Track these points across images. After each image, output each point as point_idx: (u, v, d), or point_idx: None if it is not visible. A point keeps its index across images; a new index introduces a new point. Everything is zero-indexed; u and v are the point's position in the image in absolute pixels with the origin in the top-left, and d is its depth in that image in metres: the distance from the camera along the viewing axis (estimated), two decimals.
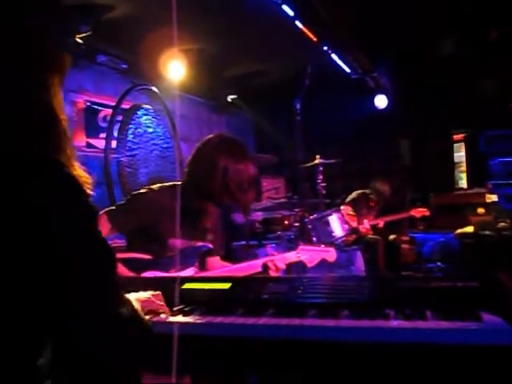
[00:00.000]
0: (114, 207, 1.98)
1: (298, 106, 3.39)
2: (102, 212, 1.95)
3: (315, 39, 4.26)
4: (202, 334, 1.09)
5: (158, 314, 1.18)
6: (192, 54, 4.61)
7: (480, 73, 5.41)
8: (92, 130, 4.37)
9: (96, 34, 4.04)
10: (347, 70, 5.28)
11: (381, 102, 6.12)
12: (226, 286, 1.31)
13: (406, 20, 4.31)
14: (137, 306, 0.95)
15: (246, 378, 1.25)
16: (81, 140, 4.33)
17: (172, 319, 1.15)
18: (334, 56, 4.82)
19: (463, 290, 1.14)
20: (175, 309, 1.17)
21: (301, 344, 1.02)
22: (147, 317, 1.06)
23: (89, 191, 0.91)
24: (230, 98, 6.13)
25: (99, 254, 0.85)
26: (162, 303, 1.20)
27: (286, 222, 4.69)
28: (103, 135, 4.13)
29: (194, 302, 1.27)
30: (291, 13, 3.72)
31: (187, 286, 1.36)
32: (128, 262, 1.88)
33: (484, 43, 4.72)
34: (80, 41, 3.92)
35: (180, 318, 1.15)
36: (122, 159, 3.57)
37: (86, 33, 3.91)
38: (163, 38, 3.79)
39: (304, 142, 4.57)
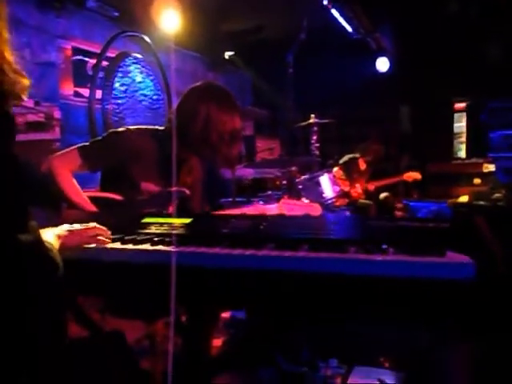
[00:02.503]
0: (87, 143, 1.89)
1: (291, 59, 3.25)
2: (73, 147, 1.87)
3: None
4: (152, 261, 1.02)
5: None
6: (187, 3, 4.42)
7: (487, 37, 5.21)
8: (80, 79, 4.23)
9: None
10: (348, 28, 5.09)
11: (382, 64, 5.95)
12: (186, 221, 1.24)
13: None
14: (49, 237, 0.88)
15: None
16: (68, 89, 4.21)
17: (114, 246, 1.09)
18: (334, 12, 4.63)
19: (432, 230, 1.07)
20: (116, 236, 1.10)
21: (255, 273, 0.95)
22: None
23: (23, 96, 0.83)
24: (227, 54, 5.95)
25: (5, 171, 0.76)
26: (97, 235, 1.13)
27: (278, 183, 4.62)
28: None
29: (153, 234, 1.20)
30: None
31: (147, 219, 1.29)
32: (98, 201, 1.82)
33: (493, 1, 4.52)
34: None
35: (129, 246, 1.08)
36: (107, 107, 3.46)
37: None
38: None
39: (300, 103, 4.45)
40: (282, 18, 5.04)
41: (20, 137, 2.49)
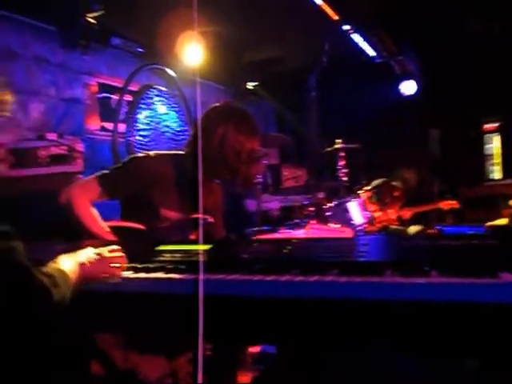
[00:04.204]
0: (106, 171, 1.85)
1: (313, 83, 3.20)
2: (92, 176, 1.83)
3: (335, 17, 4.06)
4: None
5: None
6: (210, 36, 4.47)
7: None
8: (106, 114, 4.29)
9: (110, 15, 3.95)
10: (371, 52, 5.04)
11: (408, 87, 5.85)
12: (205, 247, 1.15)
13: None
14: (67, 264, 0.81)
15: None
16: (94, 124, 4.26)
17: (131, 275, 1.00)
18: (356, 37, 4.59)
19: (480, 249, 0.94)
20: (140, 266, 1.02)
21: (278, 301, 0.85)
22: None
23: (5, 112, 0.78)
24: (250, 85, 5.97)
25: None
26: (113, 263, 1.05)
27: (305, 211, 4.51)
28: None
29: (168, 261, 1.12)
30: None
31: (163, 247, 1.21)
32: (118, 231, 1.76)
33: None
34: (92, 20, 3.84)
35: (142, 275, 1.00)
36: (130, 139, 3.46)
37: (98, 12, 3.82)
38: (180, 20, 3.70)
39: (325, 129, 4.38)
40: (304, 47, 5.04)
41: (43, 169, 2.48)
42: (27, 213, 2.25)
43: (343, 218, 3.89)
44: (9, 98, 0.80)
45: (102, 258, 1.06)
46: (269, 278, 0.86)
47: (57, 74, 3.93)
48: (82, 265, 1.01)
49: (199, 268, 0.93)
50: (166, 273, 0.99)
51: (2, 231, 0.75)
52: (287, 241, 1.13)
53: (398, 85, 5.85)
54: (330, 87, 4.67)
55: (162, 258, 1.12)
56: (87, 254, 1.07)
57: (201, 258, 0.99)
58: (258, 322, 0.88)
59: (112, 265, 1.08)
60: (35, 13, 3.72)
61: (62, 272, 0.91)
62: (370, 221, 4.07)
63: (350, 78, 5.31)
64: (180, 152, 1.98)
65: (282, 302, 0.85)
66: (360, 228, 3.87)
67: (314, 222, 2.50)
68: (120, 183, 1.81)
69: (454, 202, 5.11)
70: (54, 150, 2.52)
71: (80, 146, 2.69)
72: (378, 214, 4.64)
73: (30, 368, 1.11)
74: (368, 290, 0.78)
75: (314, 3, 3.80)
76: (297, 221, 4.34)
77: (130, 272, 1.05)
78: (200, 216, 1.86)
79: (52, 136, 2.64)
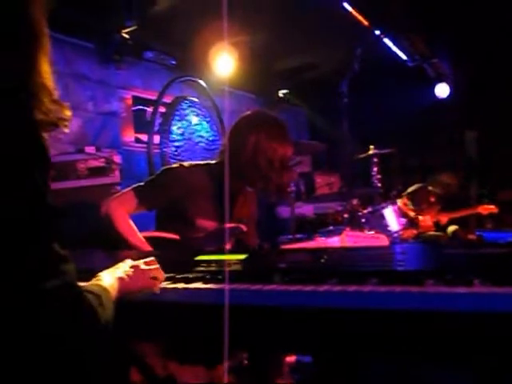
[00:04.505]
0: (142, 183, 1.89)
1: (345, 89, 3.18)
2: (129, 189, 1.88)
3: (366, 23, 4.03)
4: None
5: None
6: (241, 46, 4.51)
7: None
8: (140, 126, 4.39)
9: (143, 29, 4.06)
10: (403, 56, 4.97)
11: (442, 91, 5.73)
12: (241, 256, 1.16)
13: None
14: (107, 280, 0.82)
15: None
16: (130, 136, 4.36)
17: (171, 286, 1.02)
18: (387, 42, 4.54)
19: None
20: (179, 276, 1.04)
21: (316, 312, 0.84)
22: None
23: (61, 126, 0.81)
24: (281, 93, 5.99)
25: (34, 213, 0.70)
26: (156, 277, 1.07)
27: (339, 218, 4.46)
28: None
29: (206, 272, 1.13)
30: None
31: (201, 257, 1.23)
32: (154, 242, 1.79)
33: None
34: (126, 36, 3.95)
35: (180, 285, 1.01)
36: (165, 150, 3.52)
37: (131, 27, 3.93)
38: (211, 32, 3.76)
39: (358, 135, 4.34)
40: (335, 53, 5.02)
41: (82, 182, 2.56)
42: (68, 224, 2.32)
43: (379, 224, 3.84)
44: (68, 113, 0.83)
45: (139, 271, 1.07)
46: (307, 289, 0.86)
47: (95, 90, 4.06)
48: (121, 279, 1.02)
49: (225, 278, 0.94)
50: (205, 283, 1.00)
51: (61, 255, 0.75)
52: (323, 250, 1.12)
53: (432, 88, 5.74)
54: (363, 92, 4.62)
55: (198, 269, 1.14)
56: (125, 267, 1.08)
57: (226, 268, 1.00)
58: (294, 332, 0.88)
59: (150, 277, 1.09)
60: (75, 31, 3.86)
61: (105, 290, 0.91)
62: (406, 227, 4.00)
63: (383, 83, 5.25)
64: (212, 162, 2.00)
65: (320, 312, 0.85)
66: (396, 235, 3.81)
67: (348, 229, 2.47)
68: (155, 194, 1.85)
69: (493, 206, 4.96)
70: (93, 163, 2.60)
71: (117, 158, 2.76)
72: (414, 219, 4.55)
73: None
74: (409, 300, 0.77)
75: (345, 9, 3.78)
76: (331, 228, 4.32)
77: (169, 282, 1.07)
78: (231, 225, 1.89)
79: (90, 149, 2.73)
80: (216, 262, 1.16)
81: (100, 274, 1.00)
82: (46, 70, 0.81)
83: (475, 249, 1.05)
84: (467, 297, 0.73)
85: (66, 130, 0.82)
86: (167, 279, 1.10)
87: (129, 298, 1.02)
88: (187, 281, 1.03)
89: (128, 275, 1.05)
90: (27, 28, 0.77)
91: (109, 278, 0.98)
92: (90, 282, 0.94)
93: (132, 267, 1.08)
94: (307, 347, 0.89)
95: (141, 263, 1.10)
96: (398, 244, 2.63)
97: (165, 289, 1.04)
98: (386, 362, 0.94)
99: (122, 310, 1.03)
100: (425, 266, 0.95)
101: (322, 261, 1.05)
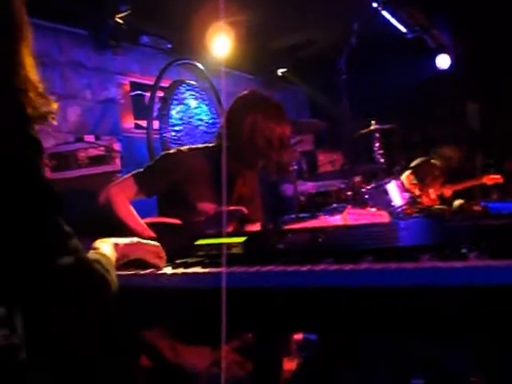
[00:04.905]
0: (141, 169, 1.90)
1: (343, 65, 3.14)
2: (128, 175, 1.88)
3: None
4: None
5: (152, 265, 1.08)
6: (237, 26, 4.45)
7: None
8: (140, 112, 4.37)
9: (137, 14, 4.00)
10: (402, 28, 4.89)
11: (443, 62, 5.64)
12: (240, 239, 1.17)
13: None
14: (105, 249, 0.84)
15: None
16: (129, 122, 4.35)
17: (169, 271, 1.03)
18: (385, 14, 4.46)
19: None
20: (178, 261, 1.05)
21: (314, 291, 0.85)
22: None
23: (50, 119, 0.81)
24: (279, 71, 5.93)
25: (37, 193, 0.73)
26: (158, 254, 1.10)
27: (342, 195, 4.46)
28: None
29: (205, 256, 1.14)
30: None
31: (200, 241, 1.23)
32: (156, 227, 1.80)
33: None
34: (120, 21, 3.91)
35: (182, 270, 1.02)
36: (165, 135, 3.52)
37: (125, 12, 3.88)
38: (206, 12, 3.71)
39: (359, 110, 4.30)
40: (332, 29, 4.94)
41: (83, 171, 2.57)
42: (70, 212, 2.33)
43: (382, 200, 3.83)
44: (55, 106, 0.83)
45: (138, 243, 1.13)
46: (303, 269, 0.87)
47: (91, 77, 4.04)
48: (116, 245, 1.07)
49: (222, 261, 0.95)
50: (203, 267, 1.01)
51: (67, 232, 0.78)
52: (322, 229, 1.13)
53: (432, 59, 5.66)
54: (362, 68, 4.57)
55: (198, 253, 1.15)
56: (123, 239, 1.13)
57: (224, 252, 1.01)
58: (296, 311, 0.89)
59: (149, 250, 1.14)
60: (68, 18, 3.82)
61: (105, 256, 0.95)
62: (411, 202, 3.99)
63: (382, 57, 5.18)
64: (211, 145, 2.00)
65: (319, 291, 0.85)
66: (400, 210, 3.80)
67: (350, 206, 2.47)
68: (154, 180, 1.86)
69: (498, 176, 4.93)
70: (93, 152, 2.60)
71: (117, 146, 2.76)
72: (418, 193, 4.54)
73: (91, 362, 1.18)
74: (404, 276, 0.77)
75: None
76: (335, 205, 4.31)
77: (169, 268, 1.08)
78: (231, 208, 1.90)
79: (90, 138, 2.73)
80: (215, 245, 1.16)
81: (96, 242, 1.03)
82: (30, 63, 0.82)
83: (474, 221, 1.04)
84: (461, 271, 0.73)
85: (54, 123, 0.82)
86: (167, 265, 1.11)
87: (128, 284, 1.04)
88: (186, 266, 1.04)
89: (124, 243, 1.10)
90: (8, 18, 0.76)
91: (105, 245, 1.03)
92: (90, 252, 0.98)
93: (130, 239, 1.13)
94: (308, 326, 0.90)
95: (141, 239, 1.13)
96: (398, 220, 2.63)
97: (164, 274, 1.05)
98: (383, 342, 0.95)
99: (126, 299, 1.05)
100: (422, 241, 0.95)
101: (320, 240, 1.05)
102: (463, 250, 0.81)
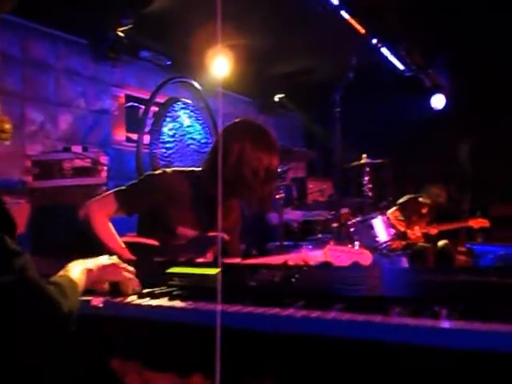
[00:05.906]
0: (123, 187, 1.86)
1: (338, 98, 3.16)
2: (110, 192, 1.85)
3: (363, 31, 4.01)
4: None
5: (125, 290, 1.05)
6: (238, 49, 4.49)
7: None
8: (132, 125, 4.36)
9: (138, 28, 4.03)
10: (400, 66, 4.97)
11: (438, 101, 5.73)
12: (213, 271, 1.14)
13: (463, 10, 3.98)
14: (75, 271, 0.81)
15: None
16: (121, 134, 4.33)
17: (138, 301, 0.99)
18: (384, 51, 4.53)
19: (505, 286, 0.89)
20: (145, 291, 1.01)
21: (282, 338, 0.82)
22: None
23: (5, 141, 0.80)
24: (276, 97, 5.97)
25: None
26: (129, 276, 1.07)
27: (329, 226, 4.44)
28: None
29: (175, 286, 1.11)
30: (336, 1, 3.51)
31: (172, 270, 1.20)
32: (134, 247, 1.76)
33: None
34: (122, 34, 3.92)
35: (148, 301, 0.99)
36: (155, 151, 3.49)
37: (127, 26, 3.90)
38: (208, 33, 3.73)
39: (353, 143, 4.32)
40: (332, 59, 5.00)
41: (67, 181, 2.53)
42: (48, 225, 2.29)
43: (367, 234, 3.82)
44: (8, 126, 0.81)
45: (111, 266, 1.09)
46: (271, 312, 0.84)
47: (86, 86, 4.03)
48: (89, 270, 1.03)
49: (216, 299, 0.91)
50: (170, 299, 0.98)
51: (13, 250, 0.76)
52: (298, 268, 1.10)
53: (428, 99, 5.74)
54: (359, 101, 4.61)
55: (169, 282, 1.11)
56: (97, 260, 1.09)
57: (219, 288, 0.97)
58: (256, 356, 0.85)
59: (122, 274, 1.11)
60: (68, 26, 3.83)
61: (71, 281, 0.92)
62: (395, 238, 3.99)
63: (379, 92, 5.24)
64: (197, 169, 1.98)
65: (285, 337, 0.82)
66: (384, 245, 3.79)
67: (332, 243, 2.45)
68: (136, 199, 1.82)
69: (485, 220, 4.97)
70: (79, 163, 2.57)
71: (104, 159, 2.73)
72: (403, 229, 4.54)
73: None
74: (371, 330, 0.75)
75: (342, 17, 3.77)
76: (320, 236, 4.30)
77: (135, 297, 1.05)
78: (212, 234, 1.86)
79: (77, 149, 2.70)
80: (186, 276, 1.13)
81: (69, 264, 1.01)
82: None
83: (452, 275, 1.02)
84: (430, 331, 0.71)
85: (7, 143, 0.80)
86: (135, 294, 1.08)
87: (94, 313, 1.00)
88: (153, 296, 1.01)
89: (98, 267, 1.06)
90: None
91: (76, 269, 1.00)
92: (58, 274, 0.95)
93: (105, 262, 1.10)
94: (269, 372, 0.86)
95: (116, 260, 1.12)
96: (375, 265, 2.61)
97: (129, 304, 1.01)
98: None
99: (94, 328, 1.02)
100: (395, 292, 0.93)
101: (293, 280, 1.03)
102: (435, 308, 0.78)
